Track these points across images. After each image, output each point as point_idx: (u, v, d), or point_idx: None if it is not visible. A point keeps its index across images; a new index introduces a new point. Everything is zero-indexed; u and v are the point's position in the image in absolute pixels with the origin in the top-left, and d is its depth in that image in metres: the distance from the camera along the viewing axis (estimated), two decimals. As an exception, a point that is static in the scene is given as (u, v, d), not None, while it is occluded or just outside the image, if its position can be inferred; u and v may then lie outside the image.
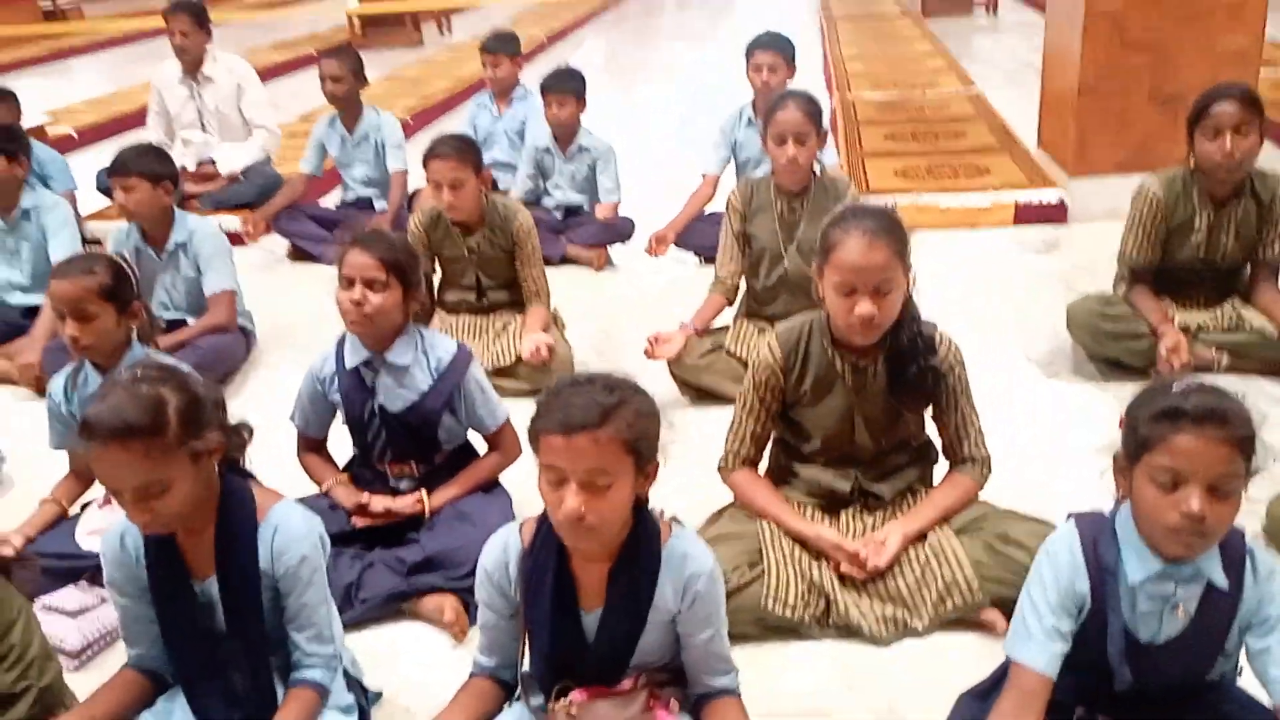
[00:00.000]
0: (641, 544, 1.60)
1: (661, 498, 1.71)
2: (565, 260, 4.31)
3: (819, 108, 3.13)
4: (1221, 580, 1.54)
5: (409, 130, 6.63)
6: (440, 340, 2.39)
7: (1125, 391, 3.01)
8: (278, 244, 4.66)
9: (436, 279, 3.50)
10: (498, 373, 3.22)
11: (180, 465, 1.54)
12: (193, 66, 4.78)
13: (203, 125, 4.87)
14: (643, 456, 1.53)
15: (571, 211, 4.41)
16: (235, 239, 4.52)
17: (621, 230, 4.36)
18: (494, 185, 3.63)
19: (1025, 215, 4.47)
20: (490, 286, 3.42)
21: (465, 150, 3.16)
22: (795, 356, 2.24)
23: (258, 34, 12.24)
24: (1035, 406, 3.04)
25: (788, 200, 3.16)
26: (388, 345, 2.31)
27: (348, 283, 2.24)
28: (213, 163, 4.89)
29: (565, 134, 4.32)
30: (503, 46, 4.76)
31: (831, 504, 2.31)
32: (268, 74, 9.37)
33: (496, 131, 4.79)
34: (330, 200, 4.97)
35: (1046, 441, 2.84)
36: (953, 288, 3.87)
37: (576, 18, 12.14)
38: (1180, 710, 1.59)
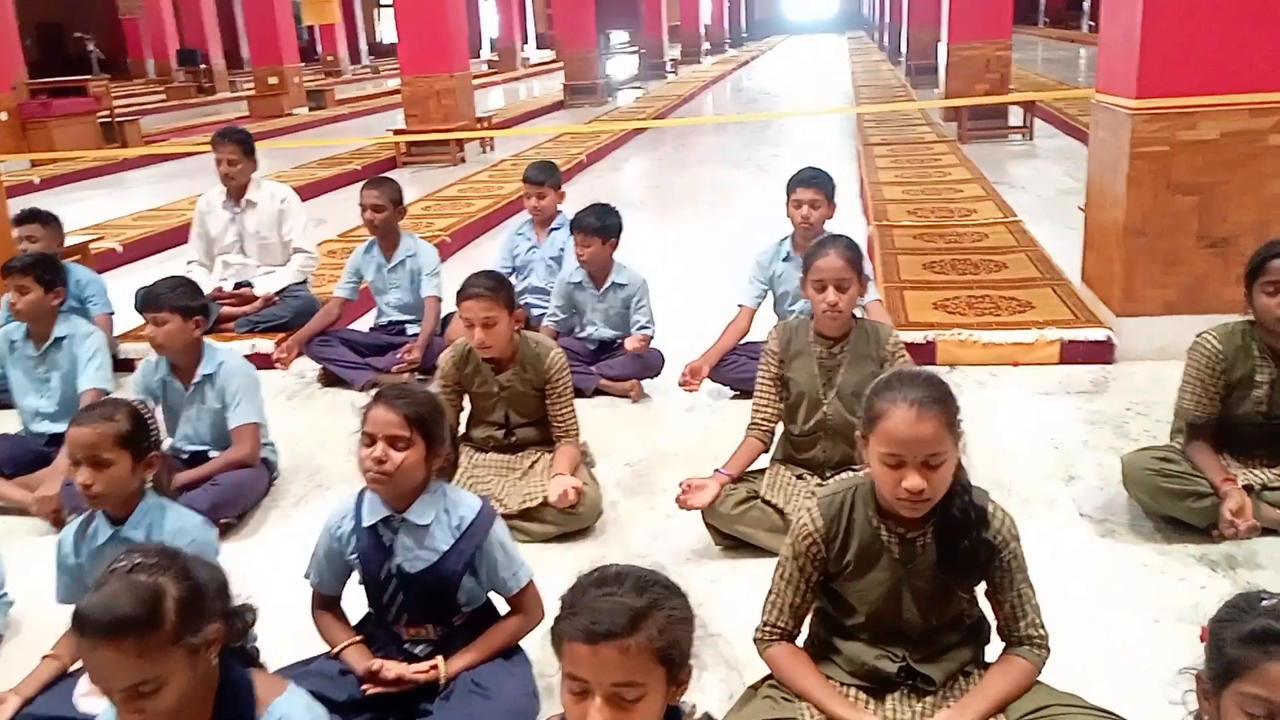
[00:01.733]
0: None
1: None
2: (598, 392, 4.23)
3: (859, 253, 3.06)
4: None
5: (448, 249, 6.71)
6: (463, 498, 2.29)
7: (1187, 553, 2.88)
8: (310, 368, 4.63)
9: (464, 415, 3.44)
10: (523, 515, 3.12)
11: (176, 662, 1.43)
12: (237, 192, 4.85)
13: (242, 249, 4.92)
14: (676, 665, 1.40)
15: (605, 345, 4.35)
16: (268, 362, 4.51)
17: (651, 363, 4.28)
18: (527, 321, 3.57)
19: (1071, 354, 4.35)
20: (519, 424, 3.33)
21: (498, 289, 3.11)
22: (838, 525, 2.11)
23: (306, 151, 12.60)
24: (1090, 569, 2.87)
25: (827, 345, 3.07)
26: (408, 504, 2.21)
27: (369, 439, 2.14)
28: (250, 285, 4.91)
29: (598, 272, 4.29)
30: (545, 177, 4.79)
31: (876, 686, 2.14)
32: (312, 190, 9.66)
33: (534, 259, 4.80)
34: (364, 324, 4.96)
35: (1104, 613, 2.66)
36: (999, 429, 3.75)
37: (614, 137, 12.37)
38: None
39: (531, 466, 3.29)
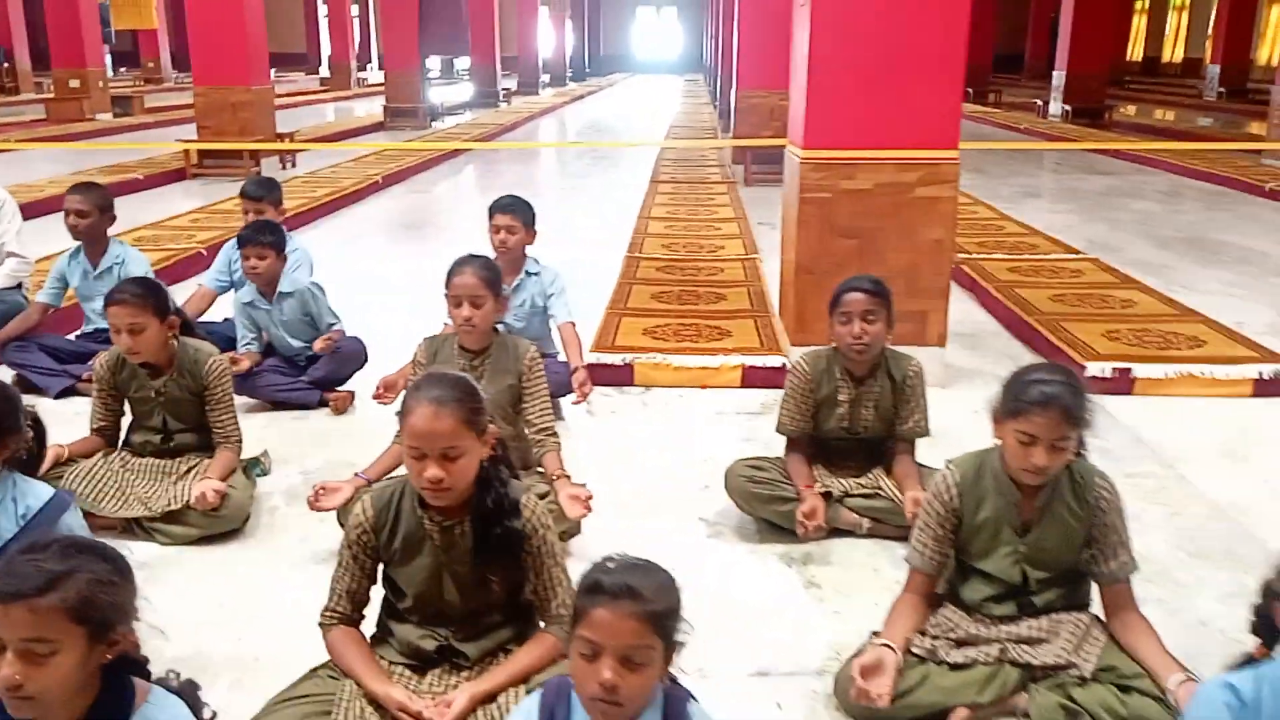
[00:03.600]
0: None
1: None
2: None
3: (497, 273, 3.32)
4: None
5: (203, 262, 6.66)
6: (34, 488, 2.38)
7: (774, 551, 3.23)
8: (5, 374, 4.55)
9: (126, 420, 3.50)
10: (166, 519, 3.21)
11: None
12: (-54, 196, 4.75)
13: (-52, 252, 4.81)
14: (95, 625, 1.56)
15: (308, 355, 4.46)
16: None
17: (352, 355, 4.50)
18: (186, 328, 3.60)
19: (751, 379, 4.73)
20: (178, 429, 3.42)
21: (146, 296, 3.20)
22: (387, 515, 2.32)
23: (100, 157, 12.19)
24: (694, 566, 3.16)
25: (469, 358, 3.32)
26: (-29, 492, 2.30)
27: None
28: (-43, 288, 4.80)
29: (267, 286, 4.41)
30: (263, 193, 4.87)
31: (420, 664, 2.36)
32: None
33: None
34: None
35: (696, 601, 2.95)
36: (669, 444, 4.07)
37: (420, 160, 12.45)
38: None
39: (188, 472, 3.38)
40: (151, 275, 4.56)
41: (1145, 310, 5.61)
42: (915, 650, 2.44)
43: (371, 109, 21.79)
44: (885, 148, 4.52)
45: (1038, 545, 2.48)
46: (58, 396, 4.38)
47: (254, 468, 3.65)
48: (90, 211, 4.45)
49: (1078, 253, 7.17)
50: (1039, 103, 19.91)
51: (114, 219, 4.60)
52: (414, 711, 2.18)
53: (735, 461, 3.39)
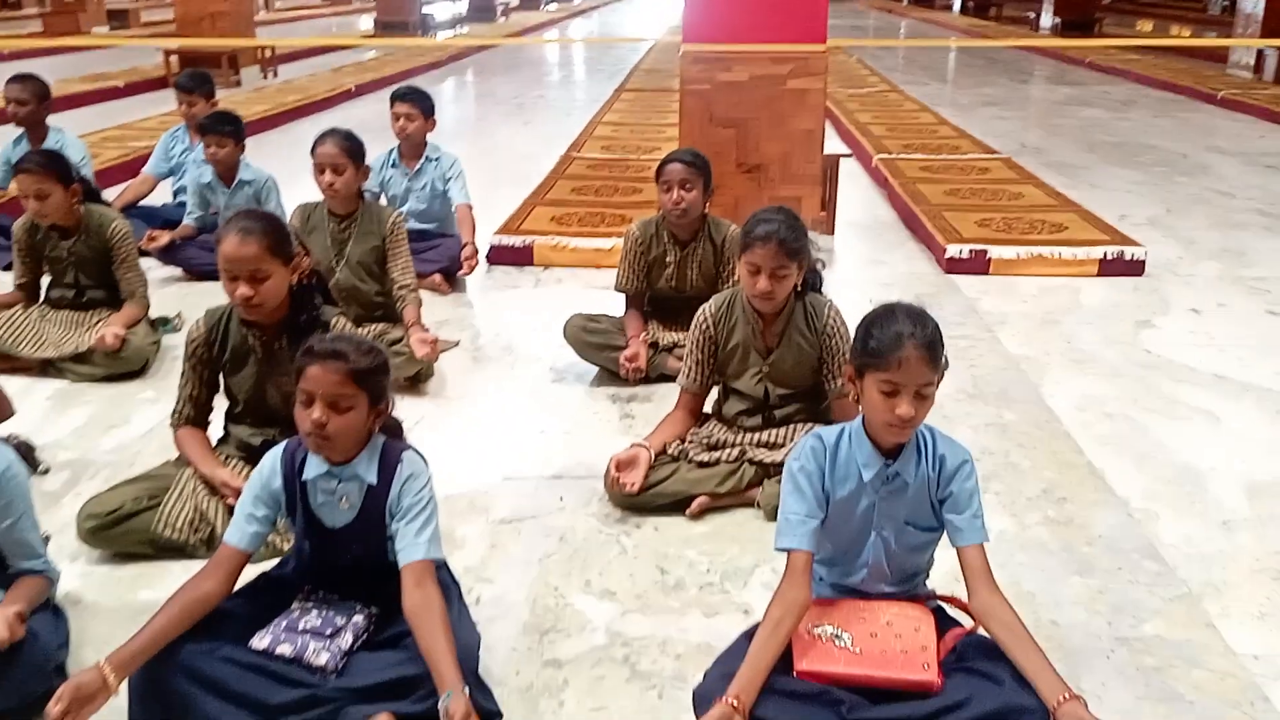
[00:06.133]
0: None
1: None
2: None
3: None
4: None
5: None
6: None
7: (608, 393, 3.68)
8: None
9: (46, 279, 3.97)
10: (76, 359, 3.70)
11: None
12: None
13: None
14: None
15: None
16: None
17: None
18: (91, 193, 3.93)
19: (639, 259, 5.12)
20: (88, 285, 3.88)
21: (48, 164, 3.63)
22: (216, 332, 2.78)
23: (81, 63, 12.54)
24: (542, 405, 3.61)
25: (337, 221, 3.76)
26: None
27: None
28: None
29: (226, 171, 4.84)
30: (194, 85, 5.27)
31: (253, 457, 2.83)
32: (73, 102, 9.79)
33: (188, 161, 5.28)
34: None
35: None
36: (539, 312, 4.51)
37: (397, 72, 12.71)
38: None
39: (98, 323, 3.85)
40: (87, 157, 5.01)
41: (1029, 202, 5.95)
42: (669, 451, 2.90)
43: (370, 25, 21.90)
44: (761, 41, 4.84)
45: (777, 366, 2.92)
46: (5, 269, 4.85)
47: (164, 325, 4.11)
48: (29, 100, 4.86)
49: (994, 153, 7.46)
50: (1030, 15, 19.80)
51: (50, 106, 5.01)
52: (234, 487, 2.66)
53: (574, 314, 3.81)
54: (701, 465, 2.87)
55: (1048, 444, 3.25)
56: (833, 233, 5.63)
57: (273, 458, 2.17)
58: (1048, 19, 18.73)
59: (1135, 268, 4.97)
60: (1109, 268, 4.95)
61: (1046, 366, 3.87)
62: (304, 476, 2.12)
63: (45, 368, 3.73)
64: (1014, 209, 5.78)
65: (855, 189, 6.72)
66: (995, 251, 5.01)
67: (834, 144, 7.79)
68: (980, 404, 3.55)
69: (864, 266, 5.18)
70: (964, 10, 25.51)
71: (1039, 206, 5.84)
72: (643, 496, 2.81)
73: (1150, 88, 11.88)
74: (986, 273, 5.00)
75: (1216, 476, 3.05)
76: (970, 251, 5.02)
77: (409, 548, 2.05)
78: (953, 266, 5.02)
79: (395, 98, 4.76)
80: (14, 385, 3.21)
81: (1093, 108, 10.54)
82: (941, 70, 14.76)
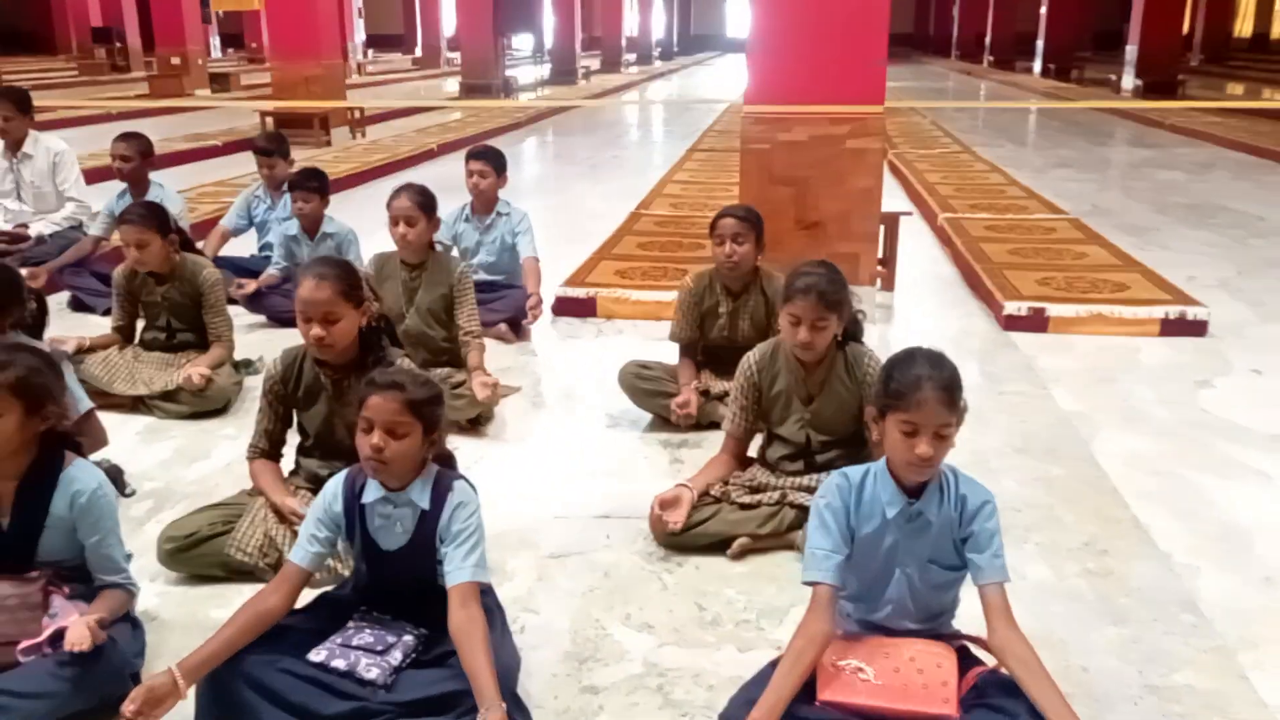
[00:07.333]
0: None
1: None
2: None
3: (431, 198, 3.97)
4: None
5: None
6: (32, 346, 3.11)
7: (659, 439, 3.80)
8: (63, 296, 5.40)
9: (141, 322, 4.27)
10: (164, 397, 3.96)
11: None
12: (14, 146, 5.63)
13: (19, 195, 5.69)
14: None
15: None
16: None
17: None
18: (187, 242, 4.26)
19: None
20: (179, 329, 4.17)
21: (149, 217, 3.93)
22: (292, 371, 2.99)
23: (183, 123, 13.30)
24: (597, 450, 3.75)
25: (409, 270, 3.99)
26: None
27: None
28: (26, 226, 5.68)
29: (311, 225, 5.15)
30: (273, 146, 5.63)
31: (319, 488, 3.00)
32: (174, 159, 10.41)
33: (270, 219, 5.62)
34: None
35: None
36: (600, 361, 4.66)
37: (478, 134, 13.21)
38: None
39: (186, 364, 4.12)
40: (184, 210, 5.37)
41: (1092, 262, 5.95)
42: (712, 493, 3.00)
43: (455, 88, 22.74)
44: (819, 103, 5.00)
45: (819, 413, 3.01)
46: (104, 313, 5.20)
47: (247, 368, 4.38)
48: (132, 156, 5.25)
49: (1062, 213, 7.46)
50: (1112, 78, 19.67)
51: (153, 163, 5.39)
52: (302, 515, 2.83)
53: (628, 362, 3.96)
54: (743, 507, 2.97)
55: (1093, 499, 3.27)
56: (893, 289, 5.70)
57: (335, 483, 2.34)
58: (1129, 81, 18.58)
59: (1198, 328, 4.94)
60: (1170, 328, 4.92)
61: (1098, 424, 3.88)
62: (363, 500, 2.28)
63: (137, 404, 4.00)
64: (1076, 268, 5.79)
65: (919, 247, 6.80)
66: (1054, 310, 5.04)
67: (900, 202, 7.91)
68: (1027, 458, 3.58)
69: (922, 322, 5.24)
70: (1045, 72, 25.40)
71: (1103, 266, 5.84)
72: (685, 536, 2.92)
73: (1231, 150, 11.72)
74: (1045, 330, 5.02)
75: (1263, 534, 3.04)
76: (1029, 309, 5.05)
77: (456, 570, 2.19)
78: (1011, 324, 5.05)
79: (470, 156, 5.03)
80: (108, 419, 3.45)
81: (1170, 170, 10.45)
82: (1018, 133, 14.76)
